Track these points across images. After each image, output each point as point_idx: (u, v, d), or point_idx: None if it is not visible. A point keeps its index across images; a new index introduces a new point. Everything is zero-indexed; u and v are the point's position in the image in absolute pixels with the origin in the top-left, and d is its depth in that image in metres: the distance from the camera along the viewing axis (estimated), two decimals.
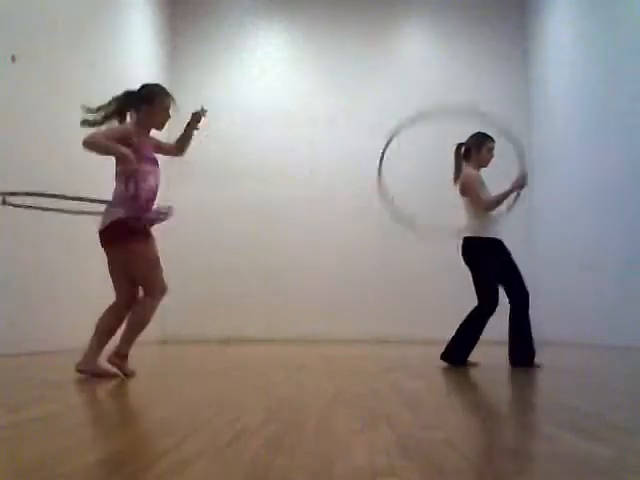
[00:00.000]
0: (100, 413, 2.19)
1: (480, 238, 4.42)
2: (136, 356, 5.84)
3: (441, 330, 9.43)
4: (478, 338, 4.34)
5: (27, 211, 5.53)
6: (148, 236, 3.55)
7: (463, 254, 4.49)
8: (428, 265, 9.56)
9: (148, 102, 3.56)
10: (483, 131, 4.56)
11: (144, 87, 3.66)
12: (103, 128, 3.47)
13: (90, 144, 3.34)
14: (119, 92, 3.60)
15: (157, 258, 3.56)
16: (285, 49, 10.45)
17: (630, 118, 7.07)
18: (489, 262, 4.40)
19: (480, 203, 4.38)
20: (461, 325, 4.37)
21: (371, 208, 9.99)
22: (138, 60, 8.73)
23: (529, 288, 4.42)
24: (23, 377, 3.68)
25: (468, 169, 4.51)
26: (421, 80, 10.19)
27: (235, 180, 9.91)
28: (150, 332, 8.40)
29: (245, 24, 10.44)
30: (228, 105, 10.00)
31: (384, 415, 2.14)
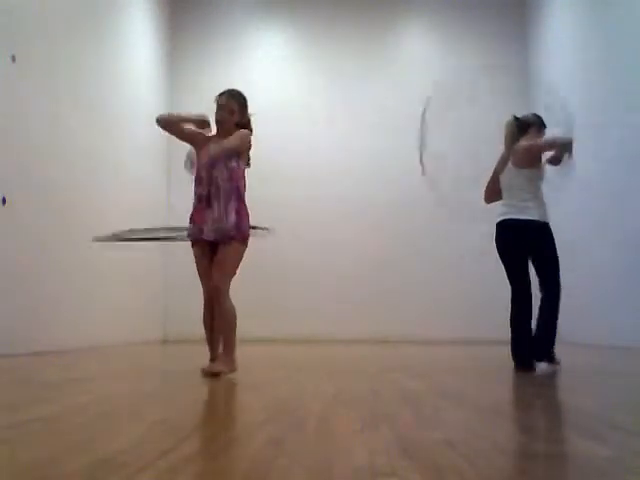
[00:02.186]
0: (100, 413, 2.19)
1: (546, 224, 4.18)
2: (136, 356, 5.85)
3: (441, 330, 9.53)
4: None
5: (27, 211, 5.56)
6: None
7: (527, 239, 4.13)
8: (428, 265, 9.55)
9: None
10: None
11: None
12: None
13: None
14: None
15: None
16: (285, 48, 10.45)
17: (631, 118, 7.06)
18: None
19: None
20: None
21: (371, 208, 10.03)
22: (138, 60, 8.72)
23: None
24: (23, 377, 3.68)
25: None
26: (421, 80, 10.18)
27: None
28: (151, 332, 8.44)
29: (245, 24, 10.44)
30: None
31: (384, 415, 2.14)
